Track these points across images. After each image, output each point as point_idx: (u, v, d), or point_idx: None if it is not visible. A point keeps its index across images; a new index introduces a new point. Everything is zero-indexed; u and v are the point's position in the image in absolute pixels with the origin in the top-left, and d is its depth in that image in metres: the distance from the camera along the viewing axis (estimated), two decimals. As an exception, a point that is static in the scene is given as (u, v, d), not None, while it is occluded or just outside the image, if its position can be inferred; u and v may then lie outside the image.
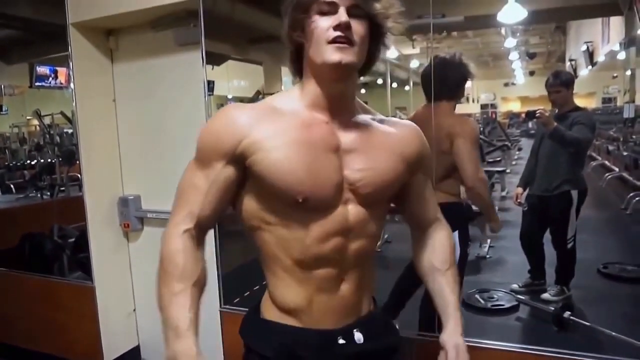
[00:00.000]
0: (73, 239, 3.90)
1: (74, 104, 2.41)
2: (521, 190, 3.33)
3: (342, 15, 0.84)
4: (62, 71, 10.39)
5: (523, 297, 3.15)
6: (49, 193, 7.16)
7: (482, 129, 13.12)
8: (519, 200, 3.32)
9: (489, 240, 4.27)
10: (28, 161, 9.72)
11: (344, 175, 0.91)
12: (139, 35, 2.40)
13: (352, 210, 0.92)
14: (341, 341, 0.93)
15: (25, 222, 4.64)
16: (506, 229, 4.90)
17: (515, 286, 3.29)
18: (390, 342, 1.02)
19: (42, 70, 10.03)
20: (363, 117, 0.98)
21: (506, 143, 9.62)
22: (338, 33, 0.84)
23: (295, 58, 0.94)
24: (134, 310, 2.67)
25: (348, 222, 0.92)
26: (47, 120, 8.66)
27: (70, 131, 8.54)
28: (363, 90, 20.59)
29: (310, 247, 0.90)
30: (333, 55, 0.84)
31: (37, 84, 10.08)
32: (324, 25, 0.85)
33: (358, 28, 0.86)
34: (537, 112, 2.88)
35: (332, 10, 0.85)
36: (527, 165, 3.38)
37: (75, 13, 2.31)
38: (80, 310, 2.56)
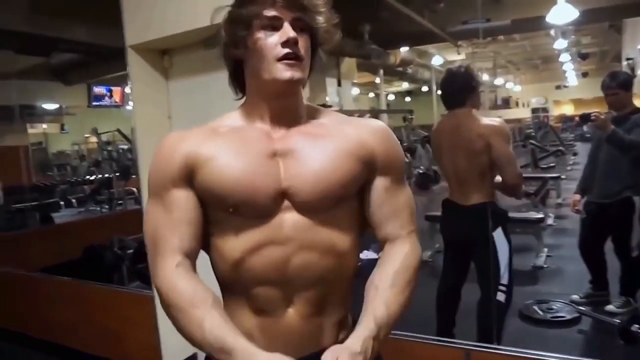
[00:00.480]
0: (132, 250, 4.07)
1: (133, 121, 2.53)
2: (579, 197, 3.18)
3: (289, 31, 0.82)
4: (116, 90, 10.94)
5: (585, 309, 3.01)
6: (107, 206, 7.53)
7: (533, 134, 12.70)
8: (576, 208, 3.18)
9: (545, 250, 4.12)
10: (87, 177, 10.28)
11: (281, 182, 0.85)
12: (192, 53, 2.49)
13: (290, 219, 0.84)
14: None
15: (87, 234, 4.89)
16: (563, 237, 4.71)
17: (575, 297, 3.15)
18: None
19: (99, 90, 10.60)
20: (312, 120, 0.91)
21: (560, 148, 9.29)
22: (287, 50, 0.82)
23: (235, 75, 0.92)
24: (190, 319, 2.75)
25: (283, 231, 0.84)
26: (104, 138, 9.15)
27: (125, 147, 8.99)
28: (408, 99, 20.55)
29: (240, 258, 0.84)
30: (284, 72, 0.82)
31: (94, 103, 10.68)
32: (270, 41, 0.82)
33: (302, 42, 0.84)
34: (592, 115, 2.76)
35: (277, 24, 0.82)
36: (584, 171, 3.24)
37: (133, 36, 2.43)
38: (139, 318, 2.66)
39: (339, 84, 7.94)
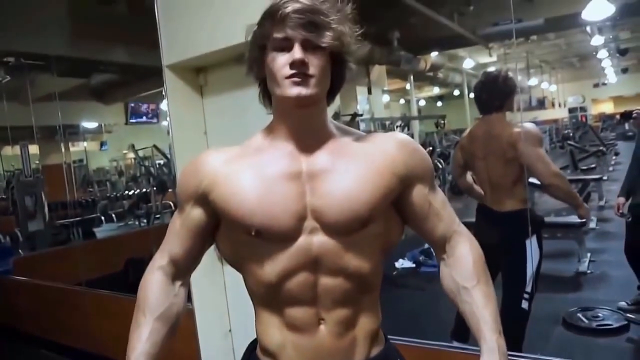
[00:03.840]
0: (170, 263, 4.17)
1: (170, 137, 2.61)
2: (623, 200, 3.07)
3: (296, 53, 0.82)
4: (152, 108, 11.26)
5: (633, 316, 2.89)
6: (145, 220, 7.74)
7: (571, 134, 12.34)
8: (621, 211, 3.07)
9: (588, 254, 3.98)
10: (126, 192, 10.60)
11: (307, 203, 0.85)
12: (226, 70, 2.56)
13: (318, 241, 0.85)
14: None
15: (127, 248, 5.05)
16: (607, 242, 4.55)
17: (623, 304, 3.02)
18: None
19: (136, 107, 10.96)
20: (337, 140, 0.91)
21: (601, 148, 8.97)
22: (293, 71, 0.83)
23: (265, 92, 0.93)
24: (230, 330, 2.78)
25: (312, 254, 0.85)
26: (141, 153, 9.42)
27: (161, 162, 9.23)
28: (439, 103, 20.33)
29: (275, 283, 0.86)
30: (291, 90, 0.83)
31: (131, 120, 11.05)
32: (280, 61, 0.84)
33: (315, 60, 0.84)
34: (634, 112, 2.68)
35: (287, 45, 0.83)
36: (628, 172, 3.13)
37: (169, 56, 2.51)
38: (180, 330, 2.71)
39: (369, 92, 7.94)
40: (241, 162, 0.90)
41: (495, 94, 2.26)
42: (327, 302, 0.86)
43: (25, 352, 3.67)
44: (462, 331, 2.45)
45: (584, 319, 2.95)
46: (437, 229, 0.95)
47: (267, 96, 0.93)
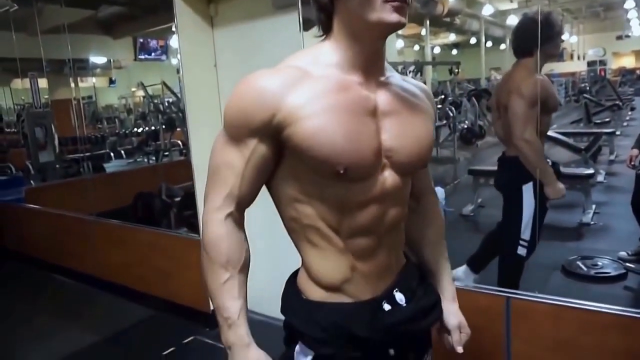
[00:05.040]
0: (179, 198, 4.25)
1: (180, 71, 2.58)
2: (637, 152, 3.06)
3: None
4: (161, 44, 11.04)
5: (633, 266, 2.93)
6: (154, 157, 7.80)
7: (588, 88, 12.04)
8: (632, 163, 3.05)
9: (593, 206, 3.99)
10: (135, 129, 10.62)
11: (381, 141, 0.85)
12: (236, 0, 2.48)
13: (389, 179, 0.87)
14: (387, 307, 0.90)
15: (136, 183, 5.12)
16: (614, 195, 4.55)
17: (623, 254, 3.06)
18: (427, 297, 0.99)
19: (145, 43, 10.77)
20: (394, 77, 0.92)
21: (617, 102, 8.78)
22: None
23: (323, 9, 0.86)
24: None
25: (385, 190, 0.87)
26: (150, 91, 9.35)
27: (171, 100, 9.18)
28: (455, 51, 19.79)
29: (348, 217, 0.86)
30: (391, 15, 0.80)
31: (140, 57, 10.88)
32: None
33: None
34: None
35: None
36: (643, 125, 3.08)
37: (179, -17, 2.44)
38: (188, 260, 2.80)
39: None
40: (312, 90, 0.82)
41: (528, 37, 2.14)
42: (388, 229, 0.91)
43: (37, 274, 3.83)
44: (478, 262, 2.60)
45: (582, 266, 3.01)
46: (420, 181, 1.04)
47: (325, 15, 0.87)
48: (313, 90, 0.82)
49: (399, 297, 0.92)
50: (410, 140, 0.88)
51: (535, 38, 2.10)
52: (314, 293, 0.90)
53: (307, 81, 0.82)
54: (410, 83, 0.96)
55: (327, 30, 0.88)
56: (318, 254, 0.89)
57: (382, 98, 0.86)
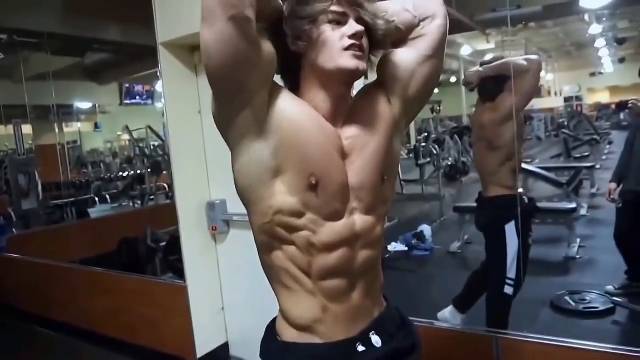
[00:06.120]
0: (164, 243, 4.19)
1: (164, 116, 2.61)
2: (615, 186, 3.11)
3: (356, 25, 0.86)
4: (147, 89, 11.14)
5: (620, 300, 2.94)
6: (139, 202, 7.73)
7: (566, 123, 12.36)
8: (612, 197, 3.11)
9: (578, 240, 4.03)
10: (120, 173, 10.56)
11: (349, 181, 0.89)
12: (220, 49, 2.55)
13: (359, 220, 0.90)
14: (361, 348, 0.90)
15: (121, 228, 5.05)
16: (597, 228, 4.60)
17: (610, 288, 3.08)
18: (407, 341, 0.98)
19: (130, 88, 10.86)
20: (352, 115, 0.94)
21: (595, 137, 9.02)
22: (354, 41, 0.85)
23: (289, 69, 0.93)
24: (222, 308, 2.82)
25: (354, 232, 0.89)
26: (135, 135, 9.37)
27: (156, 144, 9.20)
28: (436, 90, 20.24)
29: (318, 259, 0.87)
30: (350, 62, 0.85)
31: (126, 101, 10.95)
32: (337, 34, 0.86)
33: (364, 40, 0.89)
34: (630, 102, 2.70)
35: (343, 20, 0.87)
36: (620, 159, 3.16)
37: (164, 33, 2.50)
38: (173, 307, 2.75)
39: (366, 77, 7.90)
40: (294, 100, 0.89)
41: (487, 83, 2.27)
42: (360, 272, 0.92)
43: (19, 328, 3.70)
44: (464, 303, 2.59)
45: (571, 301, 3.00)
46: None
47: (291, 73, 0.93)
48: (295, 102, 0.88)
49: (375, 339, 0.92)
50: (376, 181, 0.91)
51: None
52: (287, 333, 0.92)
53: (290, 95, 0.89)
54: (363, 93, 0.98)
55: (295, 87, 0.93)
56: (290, 295, 0.91)
57: (345, 142, 0.90)
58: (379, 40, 0.92)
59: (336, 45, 0.86)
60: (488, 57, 2.45)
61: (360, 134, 0.91)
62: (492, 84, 2.23)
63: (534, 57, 2.19)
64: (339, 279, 0.89)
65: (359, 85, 0.97)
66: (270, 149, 0.85)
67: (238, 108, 0.84)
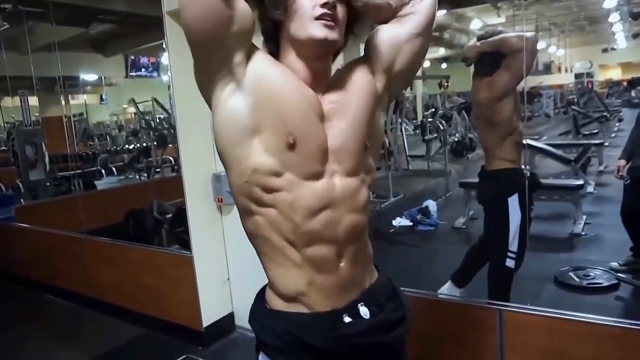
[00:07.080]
0: (170, 215, 4.22)
1: (170, 89, 2.58)
2: (624, 163, 3.08)
3: None
4: (152, 61, 11.07)
5: (624, 276, 2.95)
6: (145, 174, 7.77)
7: (576, 100, 12.21)
8: (620, 173, 3.09)
9: (584, 217, 4.02)
10: (126, 146, 10.59)
11: (329, 145, 0.88)
12: (226, 18, 2.51)
13: (339, 183, 0.88)
14: (347, 319, 0.89)
15: (128, 200, 5.09)
16: (604, 205, 4.58)
17: (614, 264, 3.08)
18: (397, 312, 0.96)
19: (136, 60, 10.79)
20: (333, 84, 0.93)
21: (605, 114, 8.91)
22: (325, 10, 0.84)
23: (270, 36, 0.93)
24: (228, 278, 2.85)
25: (336, 195, 0.88)
26: (141, 107, 9.35)
27: (162, 116, 9.19)
28: (444, 65, 20.05)
29: (302, 224, 0.86)
30: (320, 31, 0.84)
31: (131, 73, 10.90)
32: (310, 2, 0.85)
33: (340, 9, 0.87)
34: (642, 78, 2.64)
35: None
36: (630, 136, 3.12)
37: (170, 1, 2.46)
38: (180, 278, 2.78)
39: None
40: (275, 64, 0.88)
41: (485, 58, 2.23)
42: (348, 238, 0.90)
43: (28, 296, 3.77)
44: (462, 277, 2.61)
45: (575, 277, 3.02)
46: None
47: (272, 42, 0.93)
48: (275, 64, 0.88)
49: (364, 311, 0.91)
50: (351, 139, 0.89)
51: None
52: (275, 302, 0.92)
53: (270, 57, 0.89)
54: (349, 67, 0.96)
55: (276, 54, 0.92)
56: (275, 267, 0.91)
57: (325, 106, 0.89)
58: (358, 10, 0.90)
59: (308, 14, 0.84)
60: (483, 31, 2.40)
61: (341, 101, 0.90)
62: (489, 60, 2.19)
63: (530, 33, 2.16)
64: (325, 245, 0.88)
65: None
66: (247, 108, 0.84)
67: (216, 65, 0.84)
